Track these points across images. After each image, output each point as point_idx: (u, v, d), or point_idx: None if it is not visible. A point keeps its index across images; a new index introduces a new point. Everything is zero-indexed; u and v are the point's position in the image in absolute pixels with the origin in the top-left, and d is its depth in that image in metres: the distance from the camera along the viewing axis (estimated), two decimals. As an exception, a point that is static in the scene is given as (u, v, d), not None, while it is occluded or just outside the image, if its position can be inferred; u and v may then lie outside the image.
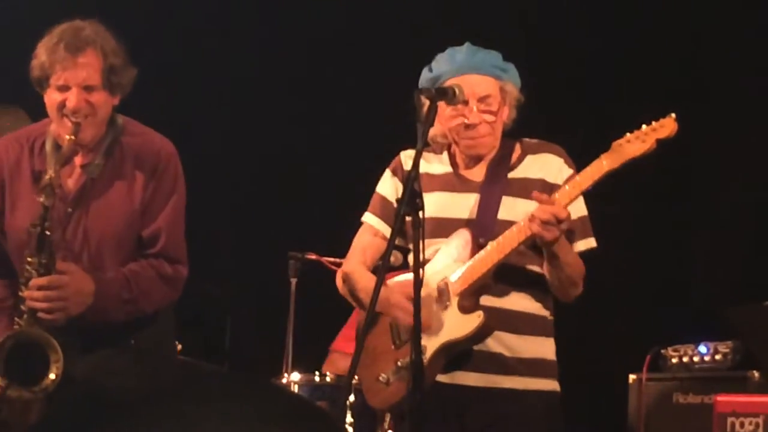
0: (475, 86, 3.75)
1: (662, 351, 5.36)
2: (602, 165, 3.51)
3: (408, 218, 3.48)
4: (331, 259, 5.50)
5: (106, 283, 3.72)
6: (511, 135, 3.89)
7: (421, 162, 3.84)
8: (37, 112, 3.96)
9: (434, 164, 3.88)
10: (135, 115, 3.95)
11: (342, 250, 5.44)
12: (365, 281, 3.82)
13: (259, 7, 6.97)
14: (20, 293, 3.69)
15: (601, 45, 6.28)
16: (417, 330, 3.38)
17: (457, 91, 3.61)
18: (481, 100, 3.75)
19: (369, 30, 6.74)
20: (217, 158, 6.55)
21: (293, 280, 5.57)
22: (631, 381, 5.36)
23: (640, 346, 5.46)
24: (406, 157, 3.88)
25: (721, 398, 4.80)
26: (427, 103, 3.62)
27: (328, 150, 6.80)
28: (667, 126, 3.48)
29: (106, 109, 3.79)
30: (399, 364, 3.72)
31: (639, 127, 3.51)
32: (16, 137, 3.92)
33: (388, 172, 3.92)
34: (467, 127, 3.76)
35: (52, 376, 3.58)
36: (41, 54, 3.73)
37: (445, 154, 3.89)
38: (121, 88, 3.80)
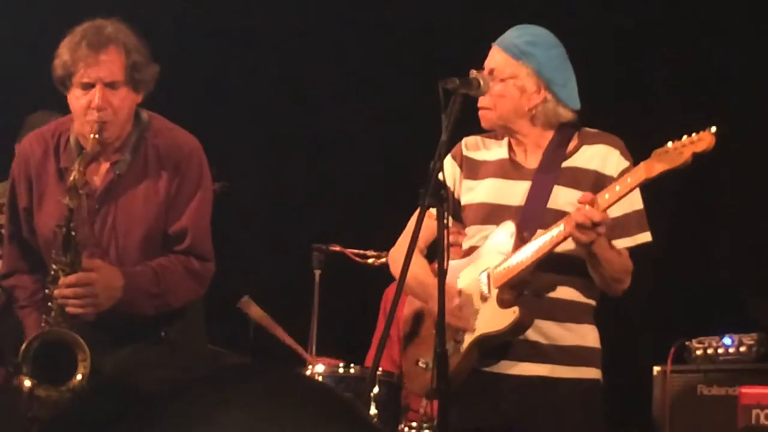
0: (489, 57, 3.74)
1: (687, 343, 5.35)
2: (641, 174, 3.47)
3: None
4: (355, 251, 5.50)
5: (135, 277, 3.74)
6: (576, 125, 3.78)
7: (480, 148, 3.82)
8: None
9: (493, 149, 3.82)
10: (159, 109, 3.96)
11: (366, 242, 5.48)
12: (417, 267, 3.68)
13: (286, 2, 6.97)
14: (47, 291, 3.72)
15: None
16: (440, 321, 3.37)
17: (481, 81, 3.58)
18: (490, 72, 3.71)
19: (395, 25, 6.74)
20: (241, 150, 6.56)
21: (317, 272, 5.57)
22: (655, 373, 5.35)
23: (664, 338, 5.45)
24: (467, 142, 3.83)
25: (745, 390, 4.80)
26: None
27: (353, 141, 6.80)
28: (704, 140, 3.38)
29: (130, 107, 3.79)
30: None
31: (680, 137, 3.43)
32: (41, 133, 3.93)
33: (448, 157, 3.79)
34: None
35: (79, 375, 3.61)
36: (63, 53, 3.73)
37: (506, 139, 3.81)
38: (144, 84, 3.80)
